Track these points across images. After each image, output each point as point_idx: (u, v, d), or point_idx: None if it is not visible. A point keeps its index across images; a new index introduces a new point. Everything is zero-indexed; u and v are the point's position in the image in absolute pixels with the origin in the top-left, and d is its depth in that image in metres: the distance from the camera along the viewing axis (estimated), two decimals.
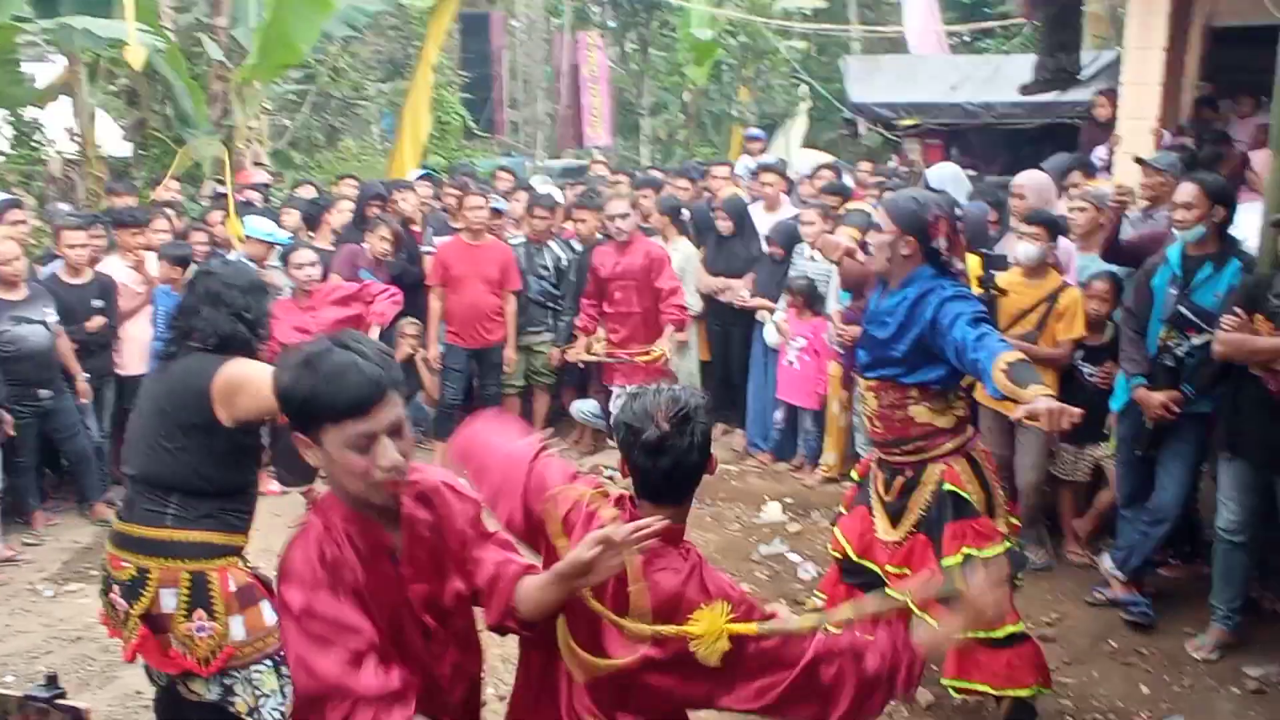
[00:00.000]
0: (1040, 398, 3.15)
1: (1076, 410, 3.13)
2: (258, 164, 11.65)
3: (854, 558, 4.08)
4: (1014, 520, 4.13)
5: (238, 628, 3.13)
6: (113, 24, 9.68)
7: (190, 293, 3.28)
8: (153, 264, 6.99)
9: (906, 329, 3.72)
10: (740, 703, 2.22)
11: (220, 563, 3.15)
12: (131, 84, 12.10)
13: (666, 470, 2.23)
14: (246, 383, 3.07)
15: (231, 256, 7.06)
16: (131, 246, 6.90)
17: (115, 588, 3.16)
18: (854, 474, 4.54)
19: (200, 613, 3.09)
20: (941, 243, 3.71)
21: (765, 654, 2.22)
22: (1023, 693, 3.82)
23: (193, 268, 6.45)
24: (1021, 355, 3.41)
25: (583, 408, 7.41)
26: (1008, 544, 3.89)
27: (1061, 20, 9.44)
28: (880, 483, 4.04)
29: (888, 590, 3.86)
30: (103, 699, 4.51)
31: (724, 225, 7.48)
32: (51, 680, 2.58)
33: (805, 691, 2.21)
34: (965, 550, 3.73)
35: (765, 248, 7.42)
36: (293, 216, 7.94)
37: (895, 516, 3.97)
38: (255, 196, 9.00)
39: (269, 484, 6.79)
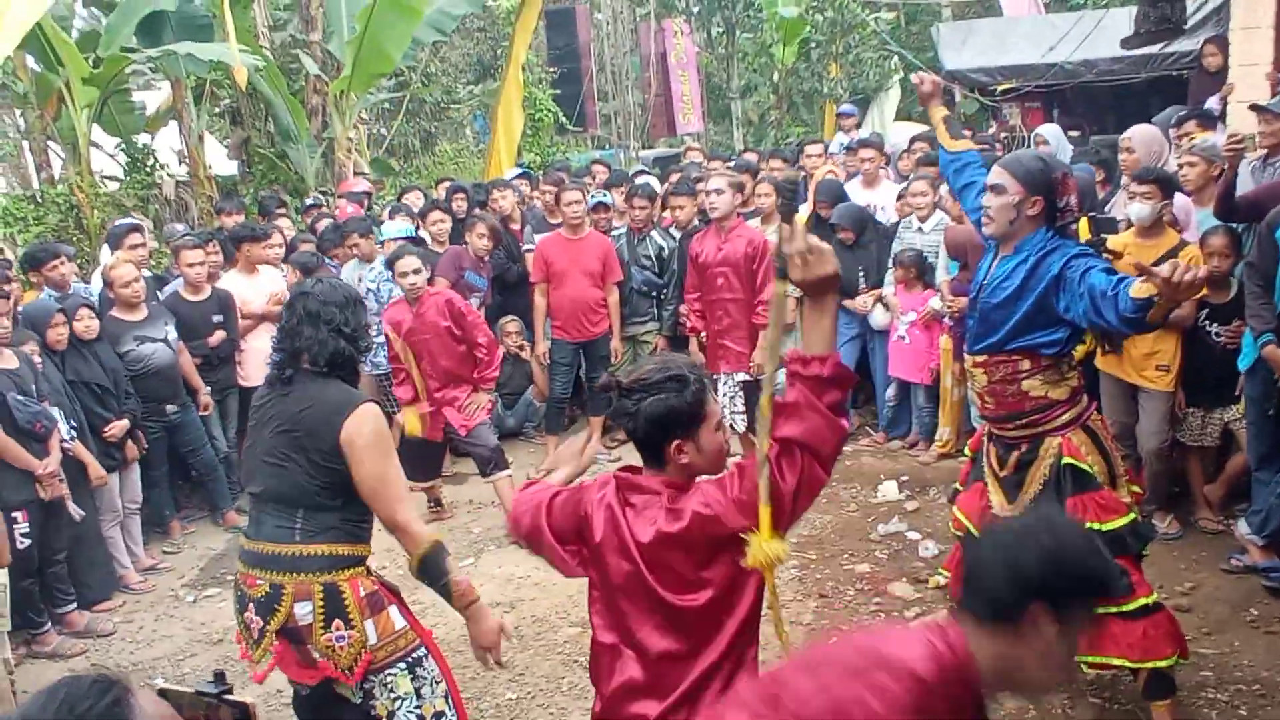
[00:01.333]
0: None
1: (1202, 269, 2.99)
2: (358, 173, 11.92)
3: (976, 534, 4.01)
4: (1136, 489, 4.01)
5: (371, 633, 3.21)
6: (214, 47, 10.02)
7: (290, 314, 3.35)
8: (270, 277, 7.24)
9: (1027, 291, 3.60)
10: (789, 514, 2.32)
11: (349, 573, 3.23)
12: (234, 104, 12.49)
13: (629, 427, 2.46)
14: (367, 451, 3.19)
15: (378, 263, 7.24)
16: (257, 259, 7.19)
17: (251, 605, 3.25)
18: (966, 449, 4.48)
19: (338, 622, 3.17)
20: (1072, 200, 3.61)
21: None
22: (1161, 664, 3.71)
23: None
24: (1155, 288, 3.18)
25: None
26: (1132, 515, 3.78)
27: None
28: (994, 458, 3.96)
29: None
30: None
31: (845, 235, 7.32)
32: (219, 677, 2.70)
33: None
34: (1089, 525, 3.62)
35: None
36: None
37: (1012, 491, 3.89)
38: (356, 206, 9.20)
39: None
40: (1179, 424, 5.52)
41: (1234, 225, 5.31)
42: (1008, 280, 3.66)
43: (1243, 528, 5.07)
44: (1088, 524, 3.59)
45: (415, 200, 8.97)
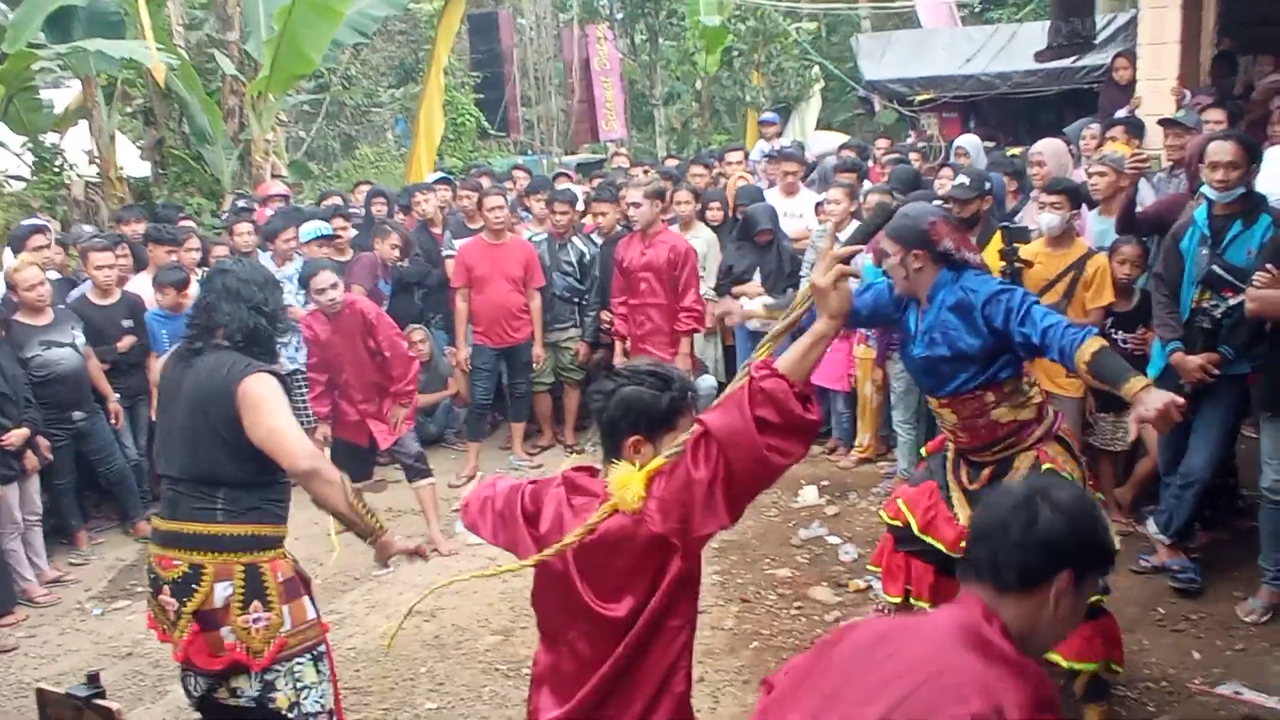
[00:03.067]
0: (1146, 394, 3.13)
1: (1180, 400, 3.10)
2: (276, 176, 11.72)
3: (915, 531, 4.07)
4: (1100, 497, 4.10)
5: (287, 618, 3.19)
6: (126, 44, 9.78)
7: (209, 289, 3.33)
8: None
9: (959, 335, 3.68)
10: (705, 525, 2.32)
11: (271, 554, 3.22)
12: (147, 104, 12.20)
13: (599, 407, 2.49)
14: (259, 406, 3.16)
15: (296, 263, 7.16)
16: (165, 263, 6.98)
17: (166, 588, 3.18)
18: (923, 451, 4.53)
19: (256, 604, 3.14)
20: (947, 244, 3.70)
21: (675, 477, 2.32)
22: (1089, 667, 3.78)
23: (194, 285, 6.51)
24: (1103, 343, 3.37)
25: None
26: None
27: None
28: (964, 473, 4.01)
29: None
30: (156, 713, 4.57)
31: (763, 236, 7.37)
32: (93, 679, 2.64)
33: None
34: None
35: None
36: None
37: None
38: (275, 211, 9.02)
39: None
40: (1090, 429, 5.65)
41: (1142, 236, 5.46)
42: (938, 331, 3.73)
43: (1151, 526, 5.21)
44: None
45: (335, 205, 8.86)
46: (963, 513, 3.97)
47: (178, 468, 3.23)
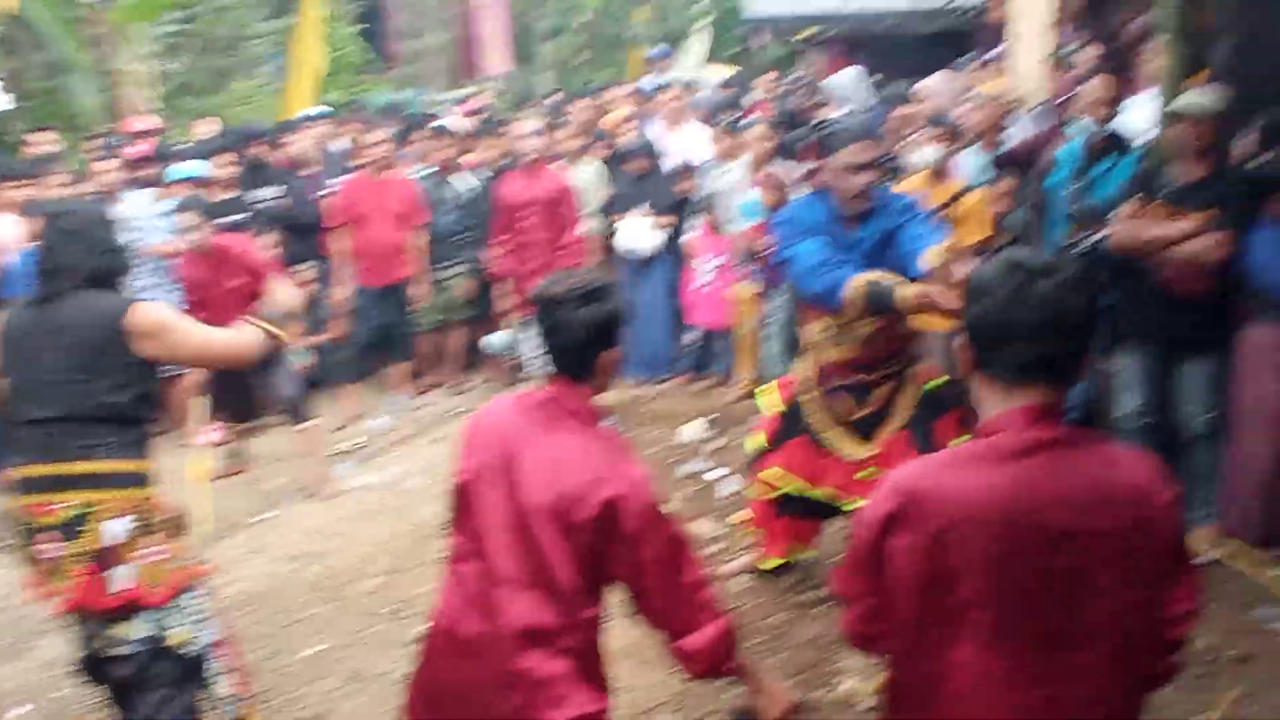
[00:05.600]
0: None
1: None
2: (148, 111, 11.21)
3: (804, 490, 4.14)
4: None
5: (180, 553, 3.24)
6: None
7: (50, 230, 3.28)
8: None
9: (896, 240, 3.79)
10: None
11: (155, 489, 3.24)
12: (4, 32, 11.53)
13: (550, 340, 2.43)
14: (173, 327, 3.25)
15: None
16: (16, 202, 6.56)
17: (43, 535, 3.09)
18: (773, 398, 4.46)
19: (149, 539, 3.14)
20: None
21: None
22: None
23: None
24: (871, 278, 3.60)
25: (494, 341, 7.34)
26: None
27: None
28: (846, 405, 4.06)
29: (843, 506, 4.01)
30: (19, 669, 4.43)
31: (637, 165, 7.36)
32: None
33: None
34: (955, 442, 3.82)
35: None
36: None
37: (871, 428, 4.03)
38: (145, 147, 8.60)
39: (210, 433, 6.72)
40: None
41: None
42: (879, 240, 3.85)
43: None
44: (953, 442, 3.78)
45: (211, 128, 8.51)
46: (849, 447, 4.06)
47: (58, 409, 3.14)
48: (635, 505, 2.35)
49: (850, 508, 4.02)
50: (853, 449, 4.05)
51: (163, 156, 7.42)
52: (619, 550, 2.36)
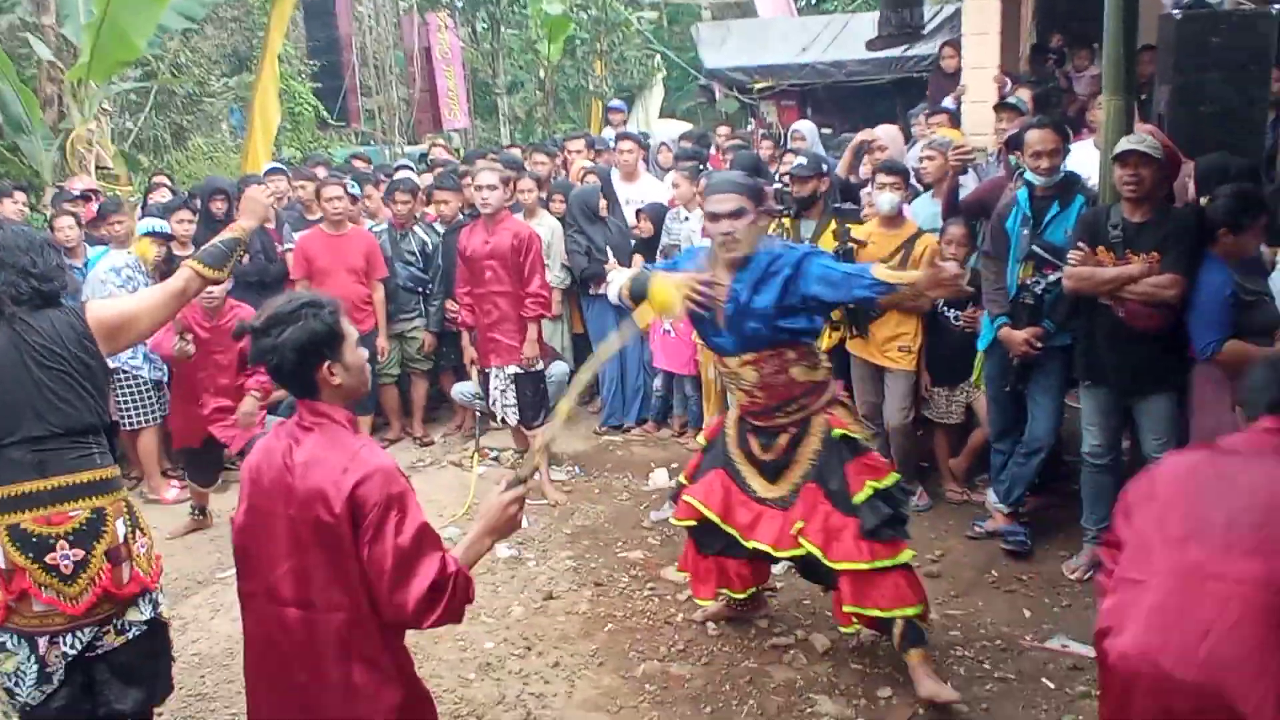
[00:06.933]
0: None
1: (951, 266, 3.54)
2: (100, 167, 11.15)
3: (717, 521, 4.23)
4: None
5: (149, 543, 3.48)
6: None
7: None
8: None
9: (775, 294, 3.84)
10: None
11: (125, 489, 3.45)
12: None
13: (266, 367, 2.58)
14: (130, 318, 3.43)
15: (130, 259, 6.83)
16: None
17: (59, 544, 3.20)
18: (700, 439, 4.63)
19: (138, 533, 3.39)
20: (771, 203, 3.92)
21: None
22: (910, 611, 3.94)
23: None
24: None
25: (463, 390, 7.33)
26: (896, 474, 4.14)
27: None
28: (755, 446, 4.18)
29: (771, 552, 4.12)
30: None
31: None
32: None
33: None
34: (869, 484, 3.94)
35: (635, 221, 7.47)
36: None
37: (773, 474, 4.13)
38: (81, 207, 8.49)
39: (167, 490, 6.84)
40: (926, 403, 5.87)
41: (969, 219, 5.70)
42: (753, 294, 3.88)
43: (991, 498, 5.46)
44: (868, 483, 3.92)
45: (161, 195, 8.48)
46: (758, 485, 4.17)
47: (46, 427, 3.22)
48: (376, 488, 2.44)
49: (781, 555, 4.16)
50: (761, 487, 4.17)
51: (102, 214, 7.36)
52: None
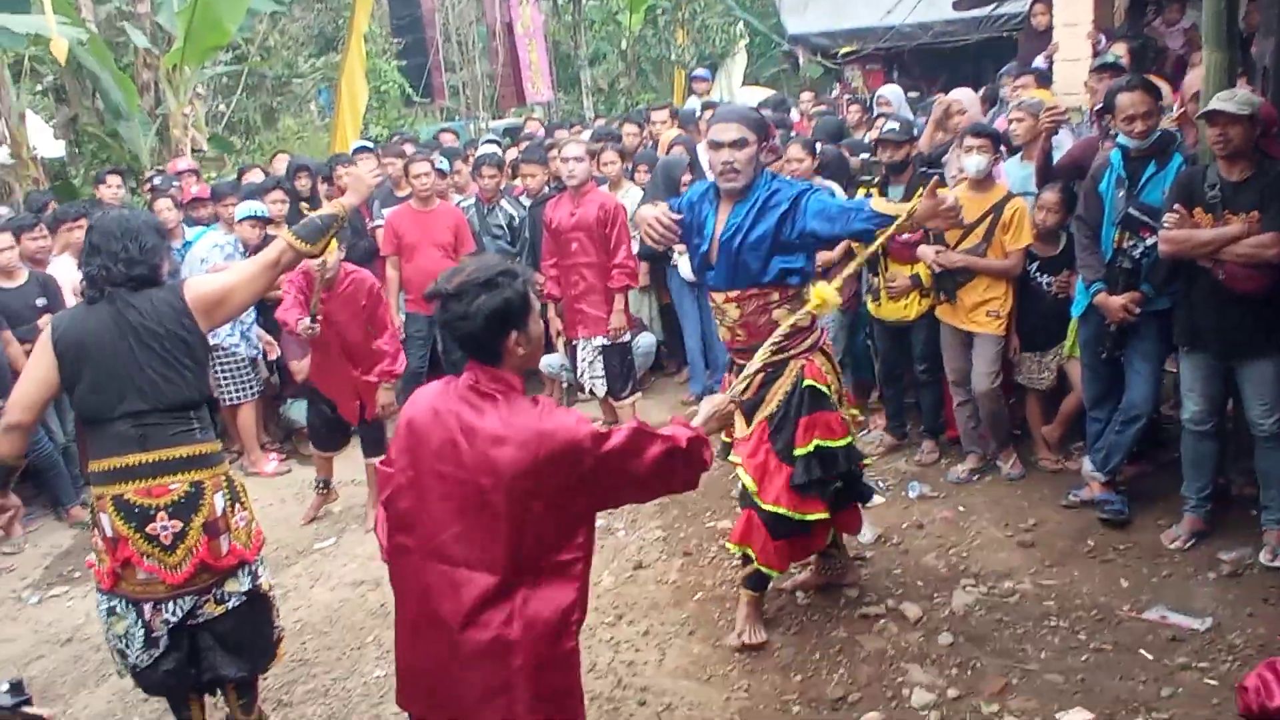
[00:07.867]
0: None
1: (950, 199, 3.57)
2: (195, 150, 11.46)
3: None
4: (855, 412, 4.49)
5: (249, 516, 3.61)
6: (30, 19, 9.48)
7: (86, 242, 3.53)
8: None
9: (768, 229, 3.90)
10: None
11: (226, 464, 3.59)
12: (59, 81, 11.86)
13: (453, 331, 2.58)
14: (228, 291, 3.53)
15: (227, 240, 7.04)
16: (74, 243, 6.74)
17: (160, 514, 3.34)
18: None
19: (238, 506, 3.53)
20: (774, 140, 3.91)
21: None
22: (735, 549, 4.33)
23: None
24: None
25: (550, 362, 7.40)
26: (850, 438, 4.20)
27: None
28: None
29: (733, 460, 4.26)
30: (101, 697, 4.52)
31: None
32: (16, 687, 2.60)
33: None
34: (816, 442, 4.04)
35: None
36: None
37: (749, 414, 4.16)
38: (198, 188, 8.75)
39: (266, 463, 7.03)
40: (1015, 367, 5.77)
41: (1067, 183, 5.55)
42: (749, 224, 3.93)
43: (1087, 466, 5.34)
44: (815, 441, 4.02)
45: (256, 177, 8.67)
46: (739, 424, 4.18)
47: (149, 401, 3.37)
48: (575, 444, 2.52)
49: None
50: (740, 427, 4.19)
51: (216, 196, 7.56)
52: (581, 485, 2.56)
